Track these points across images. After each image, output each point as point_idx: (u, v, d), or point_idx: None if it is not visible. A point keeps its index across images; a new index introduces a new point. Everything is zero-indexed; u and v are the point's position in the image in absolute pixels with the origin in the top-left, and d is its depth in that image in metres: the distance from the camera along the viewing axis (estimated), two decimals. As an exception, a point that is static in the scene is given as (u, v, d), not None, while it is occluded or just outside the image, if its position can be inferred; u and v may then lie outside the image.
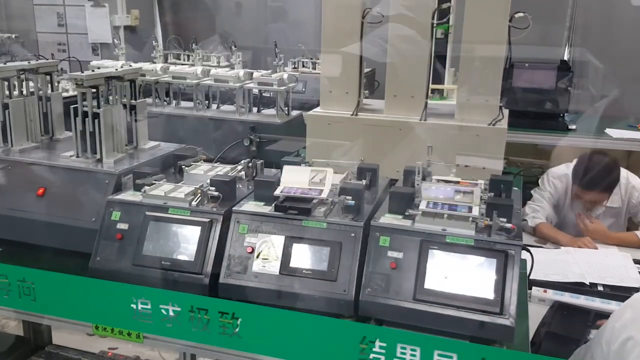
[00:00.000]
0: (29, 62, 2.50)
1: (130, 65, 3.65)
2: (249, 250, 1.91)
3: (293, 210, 1.91)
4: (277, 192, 1.98)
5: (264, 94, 3.55)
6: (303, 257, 1.86)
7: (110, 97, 2.37)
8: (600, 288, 2.48)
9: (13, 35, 6.02)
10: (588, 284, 2.48)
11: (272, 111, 3.50)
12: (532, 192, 3.44)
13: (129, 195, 2.13)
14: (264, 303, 1.79)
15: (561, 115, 4.72)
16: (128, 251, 2.01)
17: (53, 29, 6.16)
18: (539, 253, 2.45)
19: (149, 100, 3.44)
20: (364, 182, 2.17)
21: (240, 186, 2.23)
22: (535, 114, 4.57)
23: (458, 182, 2.00)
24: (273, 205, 1.97)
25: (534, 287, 2.45)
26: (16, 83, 2.47)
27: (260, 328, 1.73)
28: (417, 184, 2.02)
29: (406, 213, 1.86)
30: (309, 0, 5.77)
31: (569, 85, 4.77)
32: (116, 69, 2.42)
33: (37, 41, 6.20)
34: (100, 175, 2.22)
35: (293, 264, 1.86)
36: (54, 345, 3.10)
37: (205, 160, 2.47)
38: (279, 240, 1.89)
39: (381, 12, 2.83)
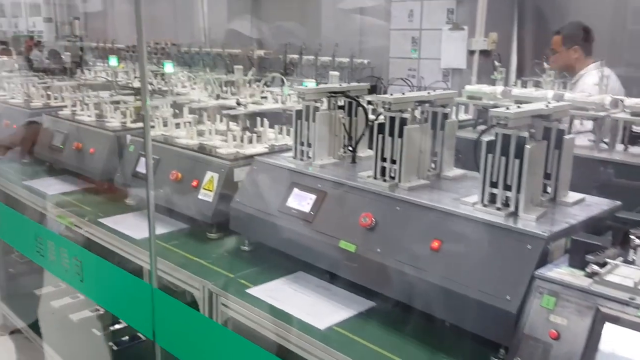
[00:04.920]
0: (429, 93, 2.08)
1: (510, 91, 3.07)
2: None
3: None
4: None
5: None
6: None
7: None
8: None
9: (365, 61, 6.13)
10: None
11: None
12: None
13: (566, 274, 1.46)
14: None
15: None
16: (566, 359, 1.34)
17: (405, 54, 6.04)
18: None
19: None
20: None
21: None
22: None
23: None
24: None
25: None
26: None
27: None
28: None
29: None
30: None
31: None
32: (546, 105, 1.80)
33: (389, 66, 6.15)
34: (521, 237, 1.60)
35: None
36: None
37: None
38: None
39: None
